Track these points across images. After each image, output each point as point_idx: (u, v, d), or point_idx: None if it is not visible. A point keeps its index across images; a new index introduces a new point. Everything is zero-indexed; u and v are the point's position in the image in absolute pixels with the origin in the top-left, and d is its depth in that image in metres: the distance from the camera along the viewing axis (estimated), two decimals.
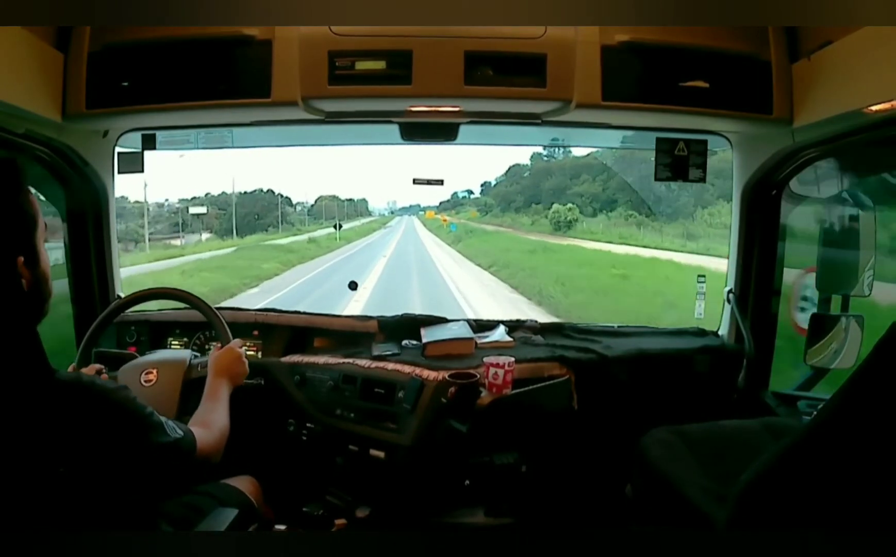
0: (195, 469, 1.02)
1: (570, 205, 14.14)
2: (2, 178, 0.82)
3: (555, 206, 14.35)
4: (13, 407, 0.77)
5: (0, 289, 0.79)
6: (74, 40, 1.39)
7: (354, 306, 5.49)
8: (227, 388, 1.26)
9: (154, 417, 0.90)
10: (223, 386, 1.25)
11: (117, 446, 0.83)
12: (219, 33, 1.37)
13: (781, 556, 0.71)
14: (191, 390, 1.36)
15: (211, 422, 1.11)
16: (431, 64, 1.37)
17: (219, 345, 1.39)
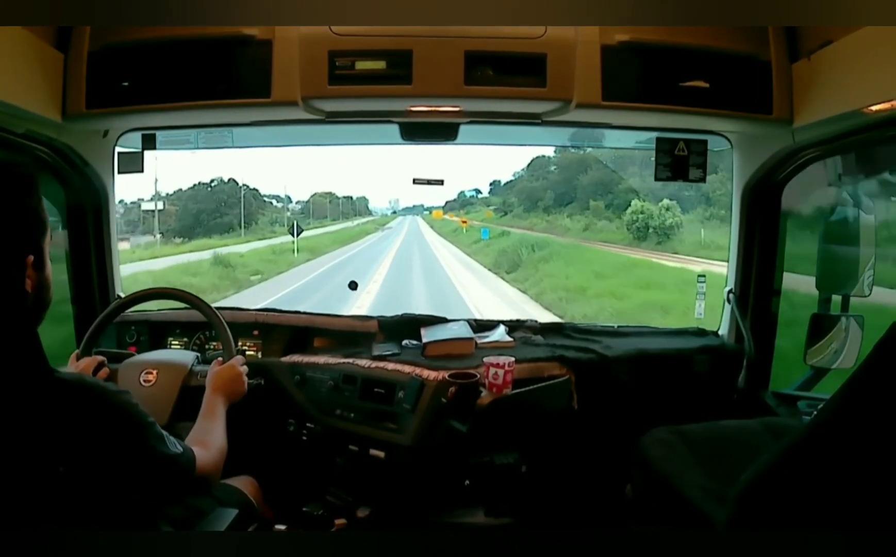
0: (193, 488, 1.02)
1: (666, 201, 9.32)
2: (20, 182, 0.83)
3: (635, 203, 9.69)
4: (13, 407, 0.77)
5: (6, 288, 0.79)
6: (74, 40, 1.39)
7: None
8: (224, 405, 1.25)
9: (156, 427, 0.90)
10: (220, 404, 1.24)
11: (117, 448, 0.83)
12: (219, 33, 1.36)
13: (781, 556, 0.71)
14: (188, 396, 1.36)
15: (210, 442, 1.10)
16: (431, 64, 1.37)
17: (220, 360, 1.38)
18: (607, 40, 1.39)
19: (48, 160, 1.59)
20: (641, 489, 1.35)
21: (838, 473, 0.75)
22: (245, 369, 1.35)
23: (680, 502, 1.18)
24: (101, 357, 1.39)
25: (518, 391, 1.48)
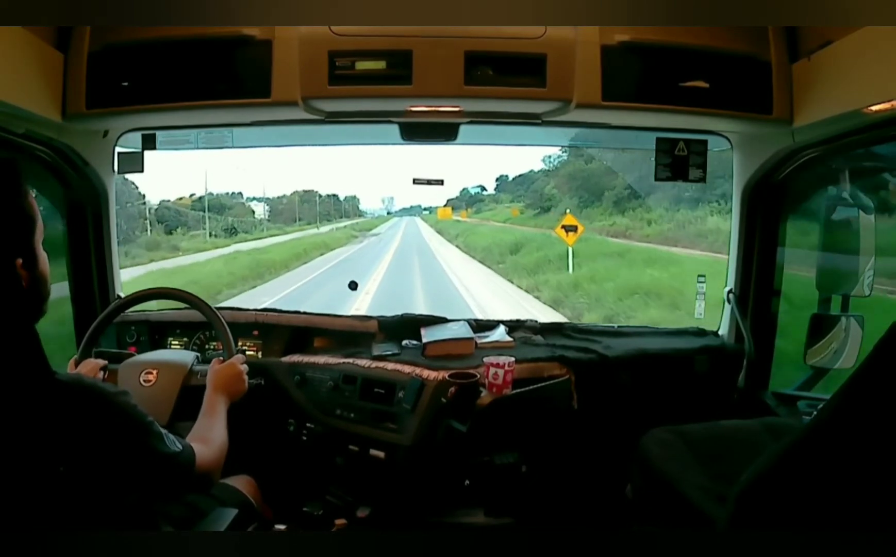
0: (193, 485, 1.02)
1: None
2: (2, 178, 0.82)
3: None
4: (13, 407, 0.76)
5: None
6: (74, 40, 1.39)
7: None
8: (225, 404, 1.25)
9: (154, 426, 0.90)
10: (221, 402, 1.24)
11: (117, 448, 0.83)
12: (219, 33, 1.36)
13: (781, 556, 0.71)
14: (188, 396, 1.36)
15: (210, 440, 1.10)
16: (431, 64, 1.37)
17: (220, 359, 1.38)
18: (607, 40, 1.39)
19: (48, 160, 1.59)
20: (641, 489, 1.35)
21: (838, 473, 0.75)
22: (245, 367, 1.35)
23: (680, 502, 1.18)
24: (102, 361, 1.38)
25: (518, 391, 1.48)
